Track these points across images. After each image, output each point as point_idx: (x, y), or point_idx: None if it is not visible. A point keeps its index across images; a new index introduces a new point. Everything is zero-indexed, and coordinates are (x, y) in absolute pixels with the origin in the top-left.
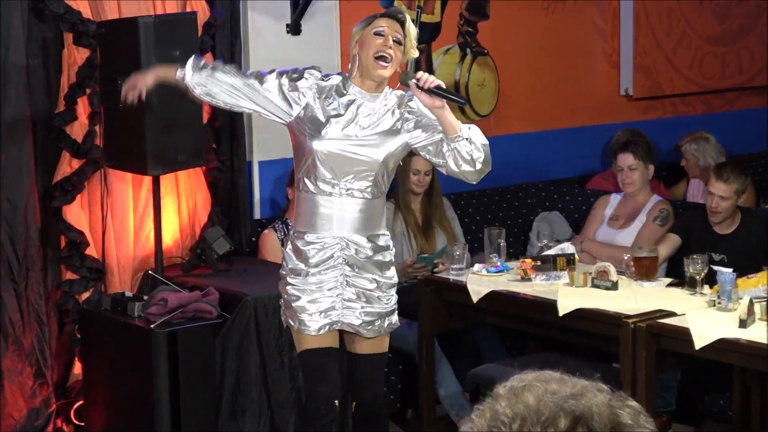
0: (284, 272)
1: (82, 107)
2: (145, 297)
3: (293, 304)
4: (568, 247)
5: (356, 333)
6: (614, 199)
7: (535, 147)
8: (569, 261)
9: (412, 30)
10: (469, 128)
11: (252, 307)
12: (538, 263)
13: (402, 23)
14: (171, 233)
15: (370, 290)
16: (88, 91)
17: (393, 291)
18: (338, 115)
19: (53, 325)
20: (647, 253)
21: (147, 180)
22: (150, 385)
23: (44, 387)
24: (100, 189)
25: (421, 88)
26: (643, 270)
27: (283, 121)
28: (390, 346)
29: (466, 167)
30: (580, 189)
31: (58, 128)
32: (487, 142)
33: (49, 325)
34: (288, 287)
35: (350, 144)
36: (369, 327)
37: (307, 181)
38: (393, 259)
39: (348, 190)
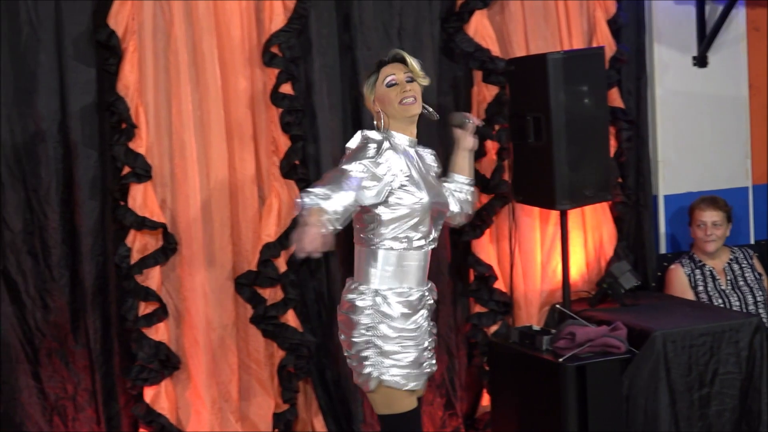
0: None
1: (490, 143)
2: (553, 330)
3: None
4: None
5: None
6: None
7: None
8: None
9: (414, 62)
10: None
11: (661, 342)
12: None
13: (403, 61)
14: (577, 267)
15: None
16: (496, 127)
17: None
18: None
19: (462, 358)
20: None
21: (554, 214)
22: (558, 419)
23: (453, 418)
24: (508, 223)
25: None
26: None
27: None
28: None
29: (468, 209)
30: None
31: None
32: None
33: (459, 357)
34: None
35: None
36: None
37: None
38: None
39: None
